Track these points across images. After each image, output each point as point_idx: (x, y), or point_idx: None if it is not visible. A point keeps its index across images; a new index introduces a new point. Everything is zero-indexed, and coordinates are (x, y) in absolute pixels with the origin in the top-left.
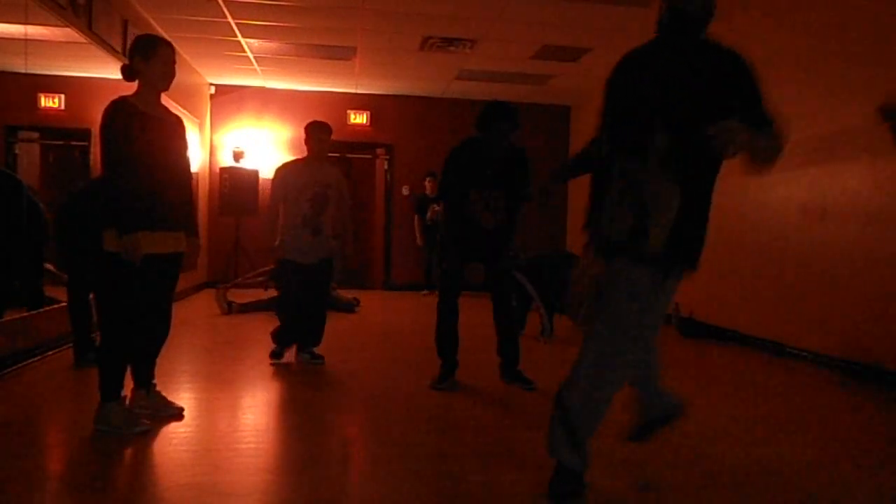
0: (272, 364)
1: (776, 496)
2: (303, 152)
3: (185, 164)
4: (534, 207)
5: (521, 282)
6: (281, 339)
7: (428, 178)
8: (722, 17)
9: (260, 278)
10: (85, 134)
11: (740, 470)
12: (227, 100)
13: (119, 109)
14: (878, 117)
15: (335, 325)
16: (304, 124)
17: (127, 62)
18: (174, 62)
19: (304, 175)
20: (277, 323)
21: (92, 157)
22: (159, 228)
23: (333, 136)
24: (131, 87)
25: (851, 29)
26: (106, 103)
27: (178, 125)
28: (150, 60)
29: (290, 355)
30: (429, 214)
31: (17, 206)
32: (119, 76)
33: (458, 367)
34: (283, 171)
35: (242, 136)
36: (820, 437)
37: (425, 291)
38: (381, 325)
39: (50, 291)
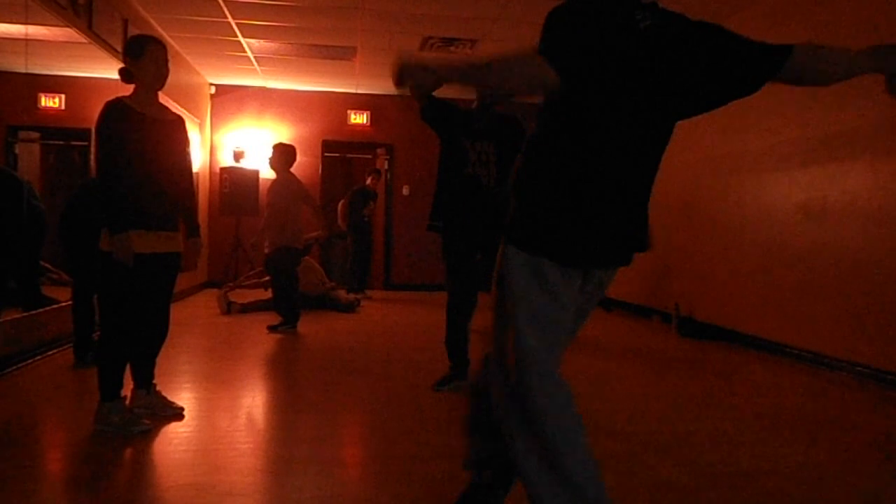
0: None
1: (777, 497)
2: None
3: (185, 164)
4: None
5: None
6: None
7: (371, 175)
8: (720, 18)
9: (266, 278)
10: (85, 134)
11: (741, 470)
12: (228, 100)
13: (113, 109)
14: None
15: (336, 325)
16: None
17: (123, 65)
18: (166, 61)
19: None
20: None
21: (92, 157)
22: (154, 228)
23: (333, 136)
24: (132, 87)
25: (850, 29)
26: None
27: (178, 125)
28: (140, 61)
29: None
30: (366, 210)
31: (17, 206)
32: (119, 76)
33: (469, 366)
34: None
35: (242, 136)
36: (821, 438)
37: (361, 295)
38: (382, 324)
39: (50, 291)
